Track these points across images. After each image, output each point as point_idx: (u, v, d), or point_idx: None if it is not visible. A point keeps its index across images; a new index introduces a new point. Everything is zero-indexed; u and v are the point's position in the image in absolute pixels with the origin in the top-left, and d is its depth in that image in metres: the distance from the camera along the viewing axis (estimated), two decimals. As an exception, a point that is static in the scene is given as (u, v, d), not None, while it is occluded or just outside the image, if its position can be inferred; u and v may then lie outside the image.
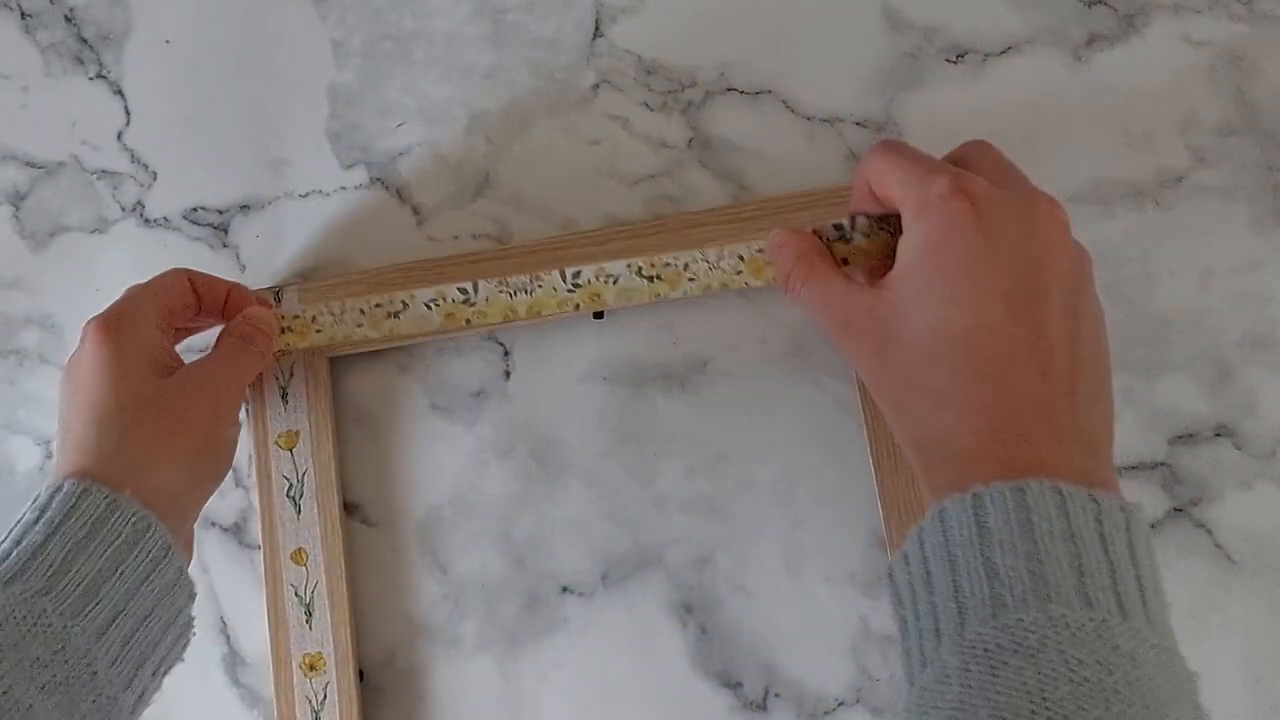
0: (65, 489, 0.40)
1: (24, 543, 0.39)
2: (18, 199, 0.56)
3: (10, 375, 0.56)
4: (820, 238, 0.43)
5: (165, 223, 0.55)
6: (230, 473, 0.53)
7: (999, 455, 0.35)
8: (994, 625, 0.32)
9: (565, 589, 0.51)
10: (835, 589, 0.49)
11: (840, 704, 0.48)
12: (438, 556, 0.52)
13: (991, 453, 0.35)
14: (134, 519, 0.40)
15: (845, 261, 0.43)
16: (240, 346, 0.48)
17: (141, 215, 0.56)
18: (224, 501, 0.53)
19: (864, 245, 0.43)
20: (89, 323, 0.44)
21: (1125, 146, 0.50)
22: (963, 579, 0.33)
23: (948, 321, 0.37)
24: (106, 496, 0.40)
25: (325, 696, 0.49)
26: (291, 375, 0.51)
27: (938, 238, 0.38)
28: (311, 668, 0.49)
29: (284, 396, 0.51)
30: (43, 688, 0.37)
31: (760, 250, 0.46)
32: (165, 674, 0.43)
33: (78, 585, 0.39)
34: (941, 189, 0.38)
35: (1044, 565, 0.32)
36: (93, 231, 0.56)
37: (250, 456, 0.53)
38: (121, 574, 0.40)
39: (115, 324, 0.44)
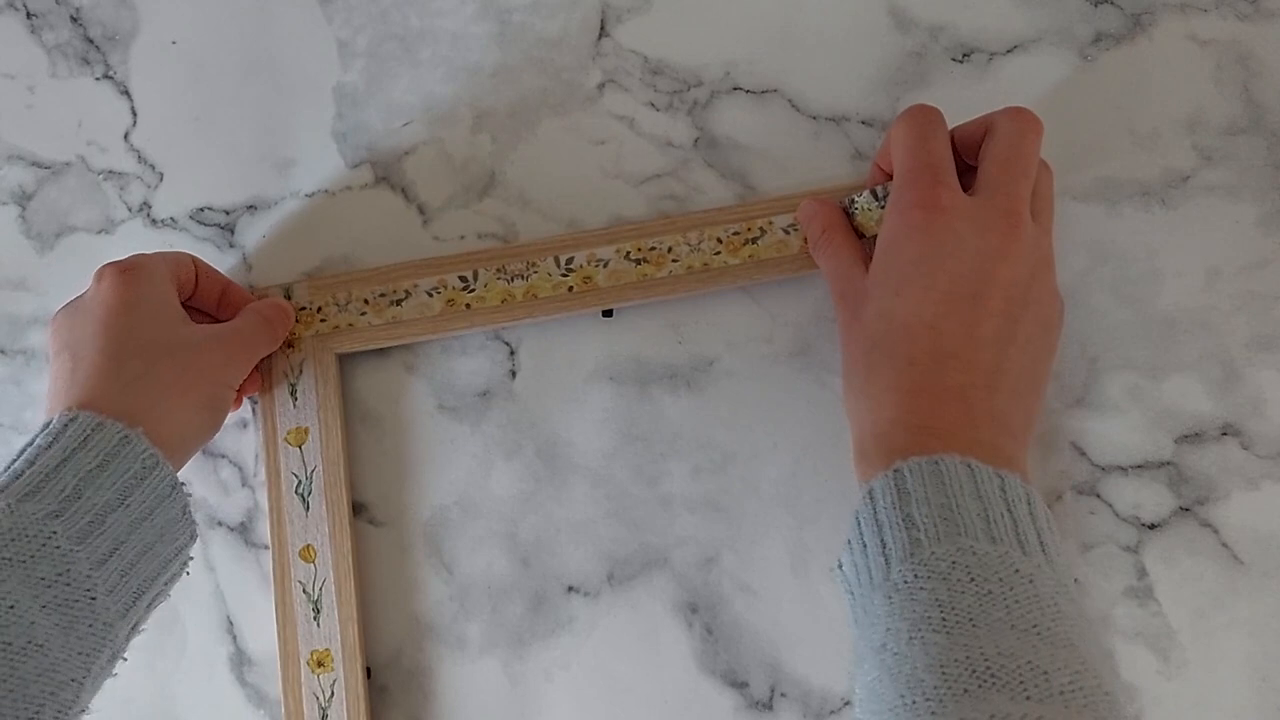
0: (80, 420, 0.41)
1: (37, 464, 0.40)
2: (24, 199, 0.57)
3: (16, 376, 0.56)
4: (842, 209, 0.48)
5: (172, 223, 0.55)
6: (237, 472, 0.53)
7: (916, 428, 0.40)
8: (912, 562, 0.36)
9: (571, 589, 0.51)
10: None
11: (846, 703, 0.48)
12: (444, 556, 0.52)
13: (910, 425, 0.40)
14: (144, 456, 0.42)
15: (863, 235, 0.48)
16: (260, 323, 0.49)
17: (148, 215, 0.56)
18: (230, 501, 0.53)
19: (869, 219, 0.47)
20: (105, 266, 0.46)
21: (1132, 146, 0.50)
22: (887, 535, 0.37)
23: (891, 313, 0.42)
24: (120, 432, 0.41)
25: (333, 694, 0.49)
26: (300, 372, 0.52)
27: (896, 236, 0.43)
28: (319, 664, 0.50)
29: (293, 393, 0.52)
30: (44, 607, 0.38)
31: (736, 233, 0.49)
32: (154, 608, 0.44)
33: (86, 514, 0.40)
34: (912, 198, 0.42)
35: (954, 513, 0.36)
36: (99, 232, 0.56)
37: (258, 454, 0.53)
38: (127, 506, 0.41)
39: (135, 271, 0.46)
